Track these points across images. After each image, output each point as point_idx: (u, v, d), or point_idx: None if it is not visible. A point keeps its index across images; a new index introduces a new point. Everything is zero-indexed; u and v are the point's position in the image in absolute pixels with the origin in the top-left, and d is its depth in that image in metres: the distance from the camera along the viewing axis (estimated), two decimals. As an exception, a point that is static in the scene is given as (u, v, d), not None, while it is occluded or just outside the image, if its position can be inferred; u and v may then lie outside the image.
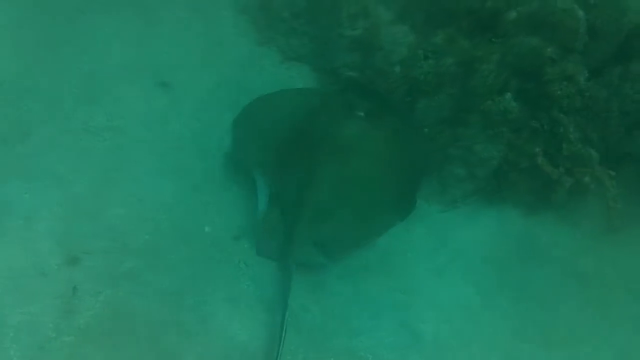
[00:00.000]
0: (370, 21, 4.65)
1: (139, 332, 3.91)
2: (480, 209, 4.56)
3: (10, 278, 4.02)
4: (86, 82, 5.17)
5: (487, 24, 4.24)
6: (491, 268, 4.33)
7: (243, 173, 4.62)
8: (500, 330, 4.10)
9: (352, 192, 4.18)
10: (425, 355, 3.95)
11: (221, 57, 5.42)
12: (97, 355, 3.78)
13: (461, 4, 4.26)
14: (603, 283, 4.34)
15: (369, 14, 4.65)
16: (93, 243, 4.25)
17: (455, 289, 4.24)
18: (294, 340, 3.94)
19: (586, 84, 4.15)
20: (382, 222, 4.15)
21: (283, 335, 3.71)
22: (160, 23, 5.61)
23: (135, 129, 4.91)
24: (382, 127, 4.31)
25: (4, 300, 3.93)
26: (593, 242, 4.50)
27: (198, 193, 4.55)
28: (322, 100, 4.65)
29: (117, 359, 3.79)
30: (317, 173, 4.23)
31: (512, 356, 4.03)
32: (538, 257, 4.40)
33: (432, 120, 4.42)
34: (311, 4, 5.04)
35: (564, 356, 4.05)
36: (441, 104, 4.35)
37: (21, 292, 3.97)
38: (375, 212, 4.13)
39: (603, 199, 4.29)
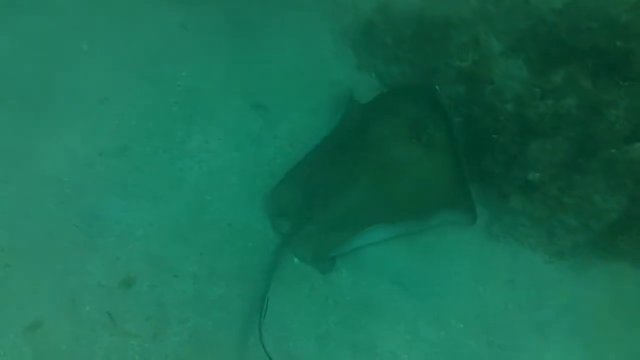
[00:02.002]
0: (480, 52, 4.39)
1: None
2: (592, 263, 4.19)
3: (100, 295, 4.04)
4: (184, 100, 5.20)
5: (614, 65, 3.88)
6: (600, 329, 3.95)
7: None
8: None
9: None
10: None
11: (318, 81, 5.33)
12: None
13: (586, 41, 3.92)
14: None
15: (479, 44, 4.39)
16: (184, 267, 4.21)
17: (560, 349, 3.90)
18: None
19: None
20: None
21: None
22: (259, 41, 5.58)
23: (229, 151, 4.87)
24: (434, 156, 4.25)
25: (95, 320, 3.94)
26: None
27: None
28: (394, 109, 4.54)
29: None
30: (351, 184, 4.29)
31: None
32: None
33: (545, 163, 4.09)
34: (418, 32, 4.83)
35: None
36: (557, 147, 4.02)
37: (111, 312, 3.97)
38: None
39: None
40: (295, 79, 5.34)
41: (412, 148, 4.27)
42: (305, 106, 5.16)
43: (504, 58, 4.31)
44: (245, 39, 5.63)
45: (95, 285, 4.09)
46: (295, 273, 4.26)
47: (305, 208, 4.35)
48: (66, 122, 4.80)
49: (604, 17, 4.10)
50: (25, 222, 4.22)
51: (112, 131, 4.92)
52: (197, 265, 4.23)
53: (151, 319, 3.98)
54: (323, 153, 4.60)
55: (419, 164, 4.25)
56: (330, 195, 4.32)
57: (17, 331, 3.79)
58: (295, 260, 4.32)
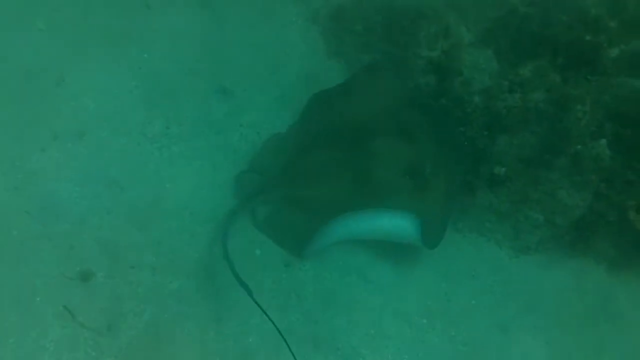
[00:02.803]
0: (450, 42, 4.30)
1: (181, 358, 3.70)
2: (557, 259, 4.18)
3: (53, 285, 3.87)
4: (146, 83, 5.01)
5: (583, 59, 3.84)
6: (563, 326, 3.94)
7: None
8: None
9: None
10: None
11: (286, 67, 5.18)
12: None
13: (556, 33, 3.87)
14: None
15: (449, 34, 4.31)
16: (141, 257, 4.06)
17: (523, 346, 3.88)
18: None
19: (694, 134, 3.72)
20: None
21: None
22: (226, 23, 5.40)
23: (192, 138, 4.71)
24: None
25: (45, 310, 3.78)
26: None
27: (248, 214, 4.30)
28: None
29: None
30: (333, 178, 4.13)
31: None
32: (617, 319, 4.00)
33: (511, 158, 4.05)
34: (388, 19, 4.72)
35: None
36: (524, 142, 3.98)
37: (63, 303, 3.81)
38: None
39: None
40: (263, 64, 5.18)
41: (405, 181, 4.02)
42: (272, 93, 5.01)
43: (473, 49, 4.25)
44: (211, 22, 5.43)
45: (47, 275, 3.92)
46: (257, 266, 4.15)
47: (281, 178, 4.26)
48: (19, 104, 4.56)
49: (575, 10, 4.07)
50: (-27, 209, 4.02)
51: (67, 114, 4.70)
52: (155, 256, 4.09)
53: (105, 311, 3.84)
54: (313, 137, 4.43)
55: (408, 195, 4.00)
56: (309, 180, 4.19)
57: (-37, 323, 3.62)
58: (257, 252, 4.21)
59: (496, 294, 4.00)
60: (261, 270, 4.14)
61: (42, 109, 4.65)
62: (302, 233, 4.08)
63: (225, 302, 3.95)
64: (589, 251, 4.11)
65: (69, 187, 4.31)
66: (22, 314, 3.76)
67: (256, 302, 3.66)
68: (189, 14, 5.38)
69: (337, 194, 4.04)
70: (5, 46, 4.78)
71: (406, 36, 4.53)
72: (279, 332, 3.56)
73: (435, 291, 4.13)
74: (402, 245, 4.13)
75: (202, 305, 3.92)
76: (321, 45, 5.29)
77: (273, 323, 3.58)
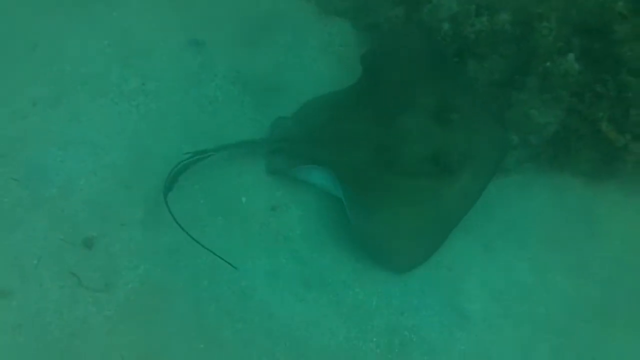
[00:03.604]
0: (415, -31, 4.24)
1: (178, 307, 3.84)
2: (535, 178, 4.23)
3: (48, 249, 3.99)
4: (118, 41, 4.98)
5: (547, -26, 3.79)
6: (546, 243, 4.04)
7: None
8: (556, 310, 3.88)
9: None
10: (473, 335, 3.78)
11: (255, 12, 5.12)
12: (138, 331, 3.75)
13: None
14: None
15: (414, -39, 4.23)
16: (130, 214, 4.15)
17: (506, 265, 3.99)
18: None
19: (661, 42, 3.70)
20: None
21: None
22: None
23: (169, 92, 4.72)
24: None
25: (43, 274, 3.91)
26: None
27: (233, 162, 4.35)
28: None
29: (157, 334, 3.74)
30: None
31: (569, 336, 3.81)
32: (597, 231, 4.09)
33: (483, 82, 4.05)
34: (352, -47, 4.64)
35: (628, 338, 3.79)
36: (494, 65, 3.97)
37: (60, 265, 3.93)
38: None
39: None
40: (231, 10, 5.11)
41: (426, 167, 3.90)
42: (243, 40, 4.96)
43: (440, -27, 4.16)
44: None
45: (41, 239, 4.03)
46: (244, 212, 4.23)
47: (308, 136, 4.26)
48: (-5, 74, 4.59)
49: None
50: (-40, 181, 4.11)
51: (44, 79, 4.73)
52: (143, 212, 4.17)
53: (101, 268, 3.96)
54: (342, 102, 4.38)
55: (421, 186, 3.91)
56: (331, 137, 4.18)
57: (-37, 291, 3.76)
58: (243, 199, 4.28)
59: (478, 216, 4.07)
60: (249, 216, 4.21)
61: (19, 76, 4.69)
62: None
63: (216, 251, 4.03)
64: (566, 167, 4.14)
65: (53, 152, 4.38)
66: (22, 279, 3.90)
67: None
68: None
69: (355, 163, 4.01)
70: (-27, 17, 4.76)
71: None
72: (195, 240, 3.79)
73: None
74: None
75: (193, 256, 4.02)
76: (289, -15, 5.21)
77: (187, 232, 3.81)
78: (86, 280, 3.90)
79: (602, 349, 3.74)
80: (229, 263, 3.81)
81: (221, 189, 4.32)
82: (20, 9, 5.04)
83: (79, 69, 4.82)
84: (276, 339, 3.76)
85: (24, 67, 4.75)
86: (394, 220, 3.86)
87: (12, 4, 5.05)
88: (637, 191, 4.21)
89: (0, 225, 4.06)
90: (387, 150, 3.97)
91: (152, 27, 5.04)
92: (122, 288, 3.90)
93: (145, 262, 3.99)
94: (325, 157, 4.08)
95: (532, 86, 3.96)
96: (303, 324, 3.82)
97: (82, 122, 4.54)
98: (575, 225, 4.10)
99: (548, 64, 3.84)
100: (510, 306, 3.88)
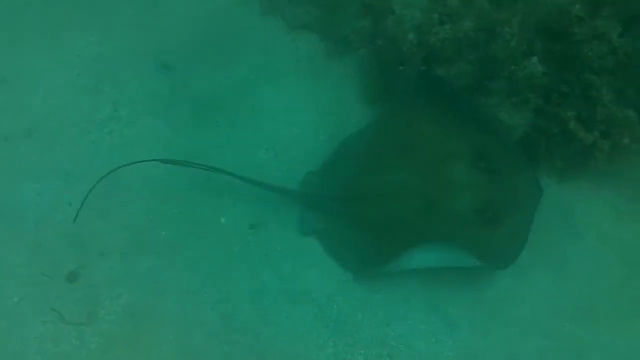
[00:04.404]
0: (378, -18, 4.28)
1: (163, 334, 3.81)
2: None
3: (29, 285, 3.95)
4: (87, 69, 4.98)
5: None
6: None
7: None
8: (540, 310, 3.92)
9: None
10: (459, 340, 3.80)
11: (222, 31, 5.15)
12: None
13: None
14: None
15: (376, -27, 4.28)
16: (108, 243, 4.13)
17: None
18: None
19: (620, 41, 3.75)
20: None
21: None
22: (159, -1, 5.34)
23: (142, 117, 4.72)
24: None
25: (25, 311, 3.86)
26: (636, 208, 4.21)
27: (210, 183, 4.34)
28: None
29: (145, 361, 3.72)
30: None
31: (555, 336, 3.84)
32: (574, 228, 4.14)
33: (453, 89, 4.09)
34: (317, -32, 4.68)
35: (611, 333, 3.83)
36: (461, 72, 4.02)
37: (41, 301, 3.89)
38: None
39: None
40: (199, 32, 5.15)
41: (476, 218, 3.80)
42: (213, 61, 4.99)
43: (403, -15, 4.22)
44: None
45: (20, 275, 3.99)
46: (224, 233, 4.22)
47: (341, 187, 4.10)
48: (-37, 111, 4.56)
49: None
50: None
51: (14, 114, 4.71)
52: (122, 240, 4.15)
53: (83, 301, 3.92)
54: (383, 143, 4.20)
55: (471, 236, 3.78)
56: (371, 191, 4.01)
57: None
58: (223, 220, 4.27)
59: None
60: (229, 237, 4.20)
61: (-11, 112, 4.65)
62: (367, 253, 3.93)
63: (198, 274, 4.03)
64: (539, 167, 4.21)
65: (28, 186, 4.36)
66: (3, 317, 3.85)
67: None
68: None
69: (403, 220, 3.87)
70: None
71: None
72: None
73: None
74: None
75: (176, 280, 4.00)
76: (256, 5, 5.24)
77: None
78: (69, 314, 3.85)
79: (586, 346, 3.78)
80: None
81: (200, 210, 4.31)
82: (-13, 43, 5.02)
83: (48, 100, 4.82)
84: (264, 358, 3.75)
85: (-6, 103, 4.73)
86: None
87: (-21, 39, 5.03)
88: (609, 186, 4.28)
89: (-24, 264, 4.02)
90: (435, 202, 3.84)
91: (122, 53, 5.05)
92: (106, 319, 3.86)
93: (128, 290, 3.97)
94: (365, 212, 3.98)
95: (500, 90, 4.01)
96: (290, 341, 3.81)
97: (56, 154, 4.52)
98: (554, 224, 4.13)
99: (513, 67, 3.89)
100: (494, 309, 3.90)
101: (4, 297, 3.91)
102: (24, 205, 4.27)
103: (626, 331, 3.83)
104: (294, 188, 4.22)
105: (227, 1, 5.30)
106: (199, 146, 4.56)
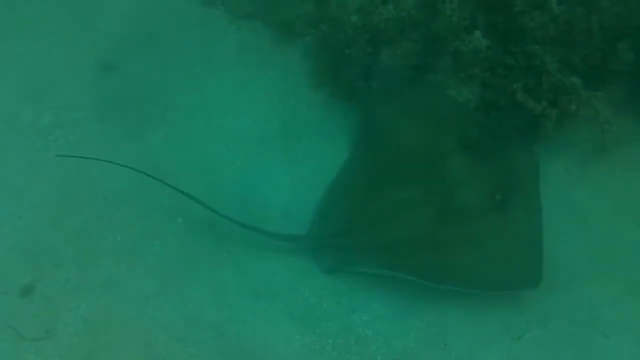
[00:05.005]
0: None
1: (126, 342, 3.73)
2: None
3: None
4: (27, 77, 4.81)
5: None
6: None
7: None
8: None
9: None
10: (425, 320, 3.80)
11: (164, 25, 5.02)
12: (89, 370, 3.64)
13: None
14: (600, 216, 4.10)
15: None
16: (62, 254, 4.01)
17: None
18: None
19: (559, 8, 3.77)
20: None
21: None
22: (95, -3, 5.17)
23: (87, 121, 4.58)
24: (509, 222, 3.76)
25: (-23, 330, 3.74)
26: (587, 171, 4.26)
27: (163, 185, 4.24)
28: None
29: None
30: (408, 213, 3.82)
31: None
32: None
33: (399, 69, 4.07)
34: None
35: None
36: (406, 51, 3.99)
37: (-4, 317, 3.78)
38: None
39: (594, 125, 4.00)
40: (141, 28, 5.01)
41: (486, 205, 3.75)
42: (157, 57, 4.86)
43: (343, -33, 4.16)
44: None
45: (-27, 291, 3.86)
46: (181, 233, 4.13)
47: (350, 218, 3.90)
48: None
49: None
50: None
51: (-47, 128, 4.53)
52: (76, 249, 4.03)
53: (40, 315, 3.80)
54: (373, 165, 4.08)
55: (486, 225, 3.73)
56: (381, 215, 3.85)
57: None
58: (179, 220, 4.19)
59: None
60: (187, 237, 4.12)
61: None
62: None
63: (158, 278, 3.95)
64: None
65: (-27, 203, 4.19)
66: (-42, 338, 3.72)
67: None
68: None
69: (423, 233, 3.75)
70: None
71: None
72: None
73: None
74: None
75: (135, 285, 3.91)
76: (195, -5, 5.12)
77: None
78: (26, 330, 3.74)
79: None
80: None
81: (155, 212, 4.21)
82: None
83: (-11, 110, 4.63)
84: (231, 356, 3.70)
85: None
86: (478, 264, 3.67)
87: None
88: (561, 151, 4.30)
89: None
90: (445, 206, 3.76)
91: (62, 56, 4.91)
92: (64, 331, 3.76)
93: (86, 300, 3.86)
94: (380, 238, 3.82)
95: (446, 67, 4.00)
96: (257, 338, 3.76)
97: (0, 165, 4.36)
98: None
99: (457, 43, 3.88)
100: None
101: (-43, 319, 3.78)
102: (-29, 222, 4.12)
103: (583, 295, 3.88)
104: (298, 233, 4.00)
105: (166, -5, 5.16)
106: (149, 148, 4.45)
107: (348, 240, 3.86)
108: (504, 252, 3.69)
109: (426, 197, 3.80)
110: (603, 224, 4.06)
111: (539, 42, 3.82)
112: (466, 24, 3.87)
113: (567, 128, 4.07)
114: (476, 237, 3.71)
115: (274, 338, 3.76)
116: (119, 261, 4.01)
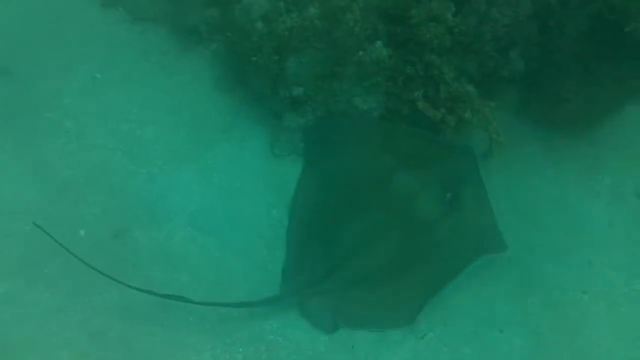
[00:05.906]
0: (223, -32, 4.17)
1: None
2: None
3: None
4: None
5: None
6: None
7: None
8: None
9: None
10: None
11: (64, 27, 4.80)
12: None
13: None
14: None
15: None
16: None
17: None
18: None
19: (454, 20, 3.95)
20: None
21: None
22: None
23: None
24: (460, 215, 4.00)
25: None
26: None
27: (64, 194, 4.09)
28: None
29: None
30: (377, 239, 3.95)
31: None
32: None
33: (305, 77, 4.10)
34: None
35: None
36: (312, 59, 4.03)
37: None
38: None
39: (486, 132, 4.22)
40: (38, 29, 4.76)
41: (441, 207, 3.98)
42: (56, 62, 4.65)
43: (247, -28, 4.12)
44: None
45: None
46: (84, 245, 3.96)
47: (323, 260, 3.91)
48: None
49: None
50: None
51: None
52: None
53: None
54: (329, 192, 4.15)
55: (446, 223, 3.97)
56: (352, 248, 3.91)
57: None
58: (82, 232, 4.04)
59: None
60: (90, 249, 3.96)
61: None
62: (399, 303, 3.90)
63: (59, 293, 3.80)
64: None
65: None
66: None
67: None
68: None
69: (397, 254, 3.90)
70: None
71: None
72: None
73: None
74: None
75: (35, 301, 3.75)
76: (95, -4, 4.93)
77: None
78: None
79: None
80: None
81: (56, 224, 4.01)
82: None
83: None
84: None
85: None
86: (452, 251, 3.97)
87: None
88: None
89: None
90: (407, 223, 3.95)
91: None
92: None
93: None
94: (358, 271, 3.88)
95: (351, 75, 4.08)
96: (166, 351, 3.71)
97: None
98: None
99: (360, 53, 3.97)
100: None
101: None
102: None
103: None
104: (277, 294, 3.91)
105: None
106: (47, 158, 4.26)
107: (328, 283, 3.86)
108: (470, 235, 3.96)
109: (386, 219, 3.97)
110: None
111: (437, 53, 3.98)
112: (368, 33, 3.96)
113: (463, 134, 4.26)
114: (443, 236, 3.95)
115: (185, 350, 3.73)
116: (16, 277, 3.83)
